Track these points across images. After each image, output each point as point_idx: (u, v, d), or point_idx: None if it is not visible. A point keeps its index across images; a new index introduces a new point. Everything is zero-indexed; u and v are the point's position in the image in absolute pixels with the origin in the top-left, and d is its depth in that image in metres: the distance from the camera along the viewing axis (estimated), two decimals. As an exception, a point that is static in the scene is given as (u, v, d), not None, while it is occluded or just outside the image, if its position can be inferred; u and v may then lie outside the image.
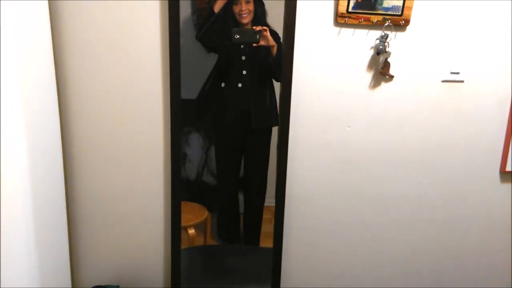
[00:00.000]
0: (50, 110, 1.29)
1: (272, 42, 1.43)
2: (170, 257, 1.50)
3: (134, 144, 1.43)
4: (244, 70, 1.53)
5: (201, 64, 1.54)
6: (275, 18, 1.43)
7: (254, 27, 1.42)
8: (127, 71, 1.36)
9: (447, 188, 1.63)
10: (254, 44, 1.42)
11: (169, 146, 1.41)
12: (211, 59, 1.52)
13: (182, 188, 1.47)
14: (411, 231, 1.65)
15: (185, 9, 1.47)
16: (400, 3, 1.39)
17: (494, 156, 1.62)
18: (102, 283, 1.49)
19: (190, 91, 1.50)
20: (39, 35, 1.21)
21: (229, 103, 1.58)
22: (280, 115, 1.44)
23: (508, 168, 1.61)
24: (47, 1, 1.24)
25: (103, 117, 1.40)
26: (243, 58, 1.53)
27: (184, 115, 1.39)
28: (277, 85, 1.51)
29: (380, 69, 1.46)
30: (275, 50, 1.44)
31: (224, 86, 1.54)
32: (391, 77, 1.47)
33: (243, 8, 1.44)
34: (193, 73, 1.51)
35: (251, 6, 1.45)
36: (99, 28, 1.32)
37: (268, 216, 1.65)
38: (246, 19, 1.46)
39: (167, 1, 1.29)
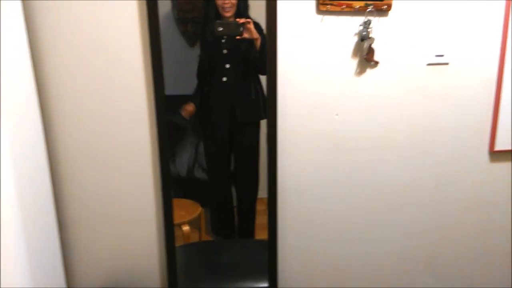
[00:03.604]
0: (31, 111, 1.26)
1: (255, 34, 1.41)
2: (166, 255, 1.49)
3: (121, 142, 1.41)
4: (227, 63, 1.52)
5: (185, 59, 1.53)
6: (258, 10, 1.40)
7: (237, 20, 1.41)
8: (109, 68, 1.34)
9: (437, 171, 1.63)
10: (238, 37, 1.41)
11: (157, 143, 1.39)
12: (195, 53, 1.51)
13: (173, 185, 1.46)
14: (404, 215, 1.66)
15: (166, 4, 1.45)
16: (382, -12, 1.38)
17: (482, 137, 1.63)
18: (98, 286, 1.48)
19: (176, 87, 1.49)
20: (15, 33, 1.17)
21: (215, 98, 1.56)
22: (267, 107, 1.42)
23: (496, 148, 1.62)
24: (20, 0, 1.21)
25: (87, 117, 1.37)
26: (225, 51, 1.51)
27: (173, 111, 1.37)
28: (263, 78, 1.50)
29: (365, 56, 1.45)
30: (258, 43, 1.42)
31: (209, 81, 1.53)
32: (376, 63, 1.46)
33: (226, 1, 1.42)
34: (178, 68, 1.49)
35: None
36: (77, 25, 1.29)
37: (262, 208, 1.65)
38: (229, 12, 1.44)
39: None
